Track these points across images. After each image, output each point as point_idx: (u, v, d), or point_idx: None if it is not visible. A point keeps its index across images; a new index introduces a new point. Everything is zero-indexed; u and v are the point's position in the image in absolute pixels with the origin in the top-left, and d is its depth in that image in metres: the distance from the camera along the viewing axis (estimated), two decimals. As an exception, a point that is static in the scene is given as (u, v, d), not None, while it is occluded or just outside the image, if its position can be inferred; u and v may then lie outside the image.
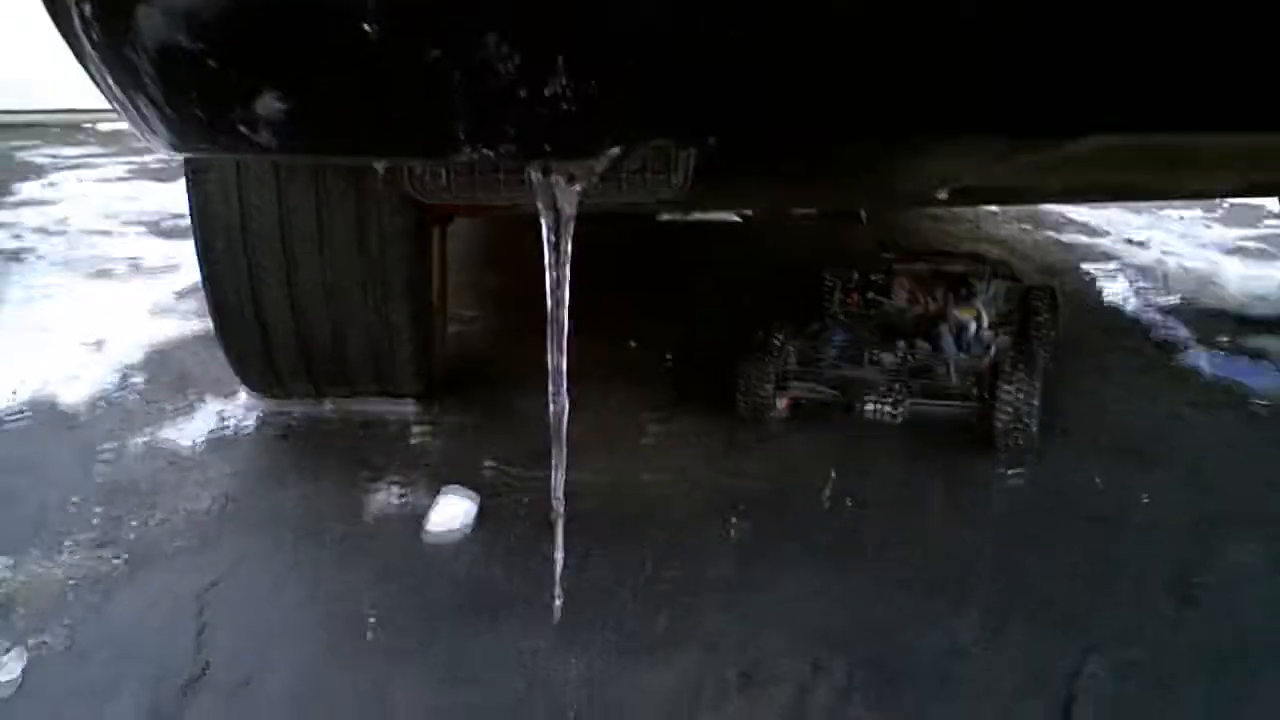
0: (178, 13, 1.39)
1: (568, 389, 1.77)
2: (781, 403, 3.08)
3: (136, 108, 1.54)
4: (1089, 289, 4.49)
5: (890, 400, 3.01)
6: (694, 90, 1.37)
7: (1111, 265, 4.78)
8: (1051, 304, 3.50)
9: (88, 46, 1.51)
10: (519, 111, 1.26)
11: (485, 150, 1.29)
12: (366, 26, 1.28)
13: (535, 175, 1.47)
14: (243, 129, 1.43)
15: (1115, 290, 4.44)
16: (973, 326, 3.16)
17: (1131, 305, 4.27)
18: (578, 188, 1.47)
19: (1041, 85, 1.43)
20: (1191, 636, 2.22)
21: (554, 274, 1.62)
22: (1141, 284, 4.51)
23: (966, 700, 2.04)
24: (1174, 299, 4.31)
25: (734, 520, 2.61)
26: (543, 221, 1.55)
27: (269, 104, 1.40)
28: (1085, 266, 4.77)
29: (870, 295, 3.45)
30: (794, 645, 2.17)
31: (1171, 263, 4.83)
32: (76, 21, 1.48)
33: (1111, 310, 4.24)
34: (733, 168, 1.90)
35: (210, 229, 2.79)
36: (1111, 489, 2.77)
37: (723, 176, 2.03)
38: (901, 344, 3.16)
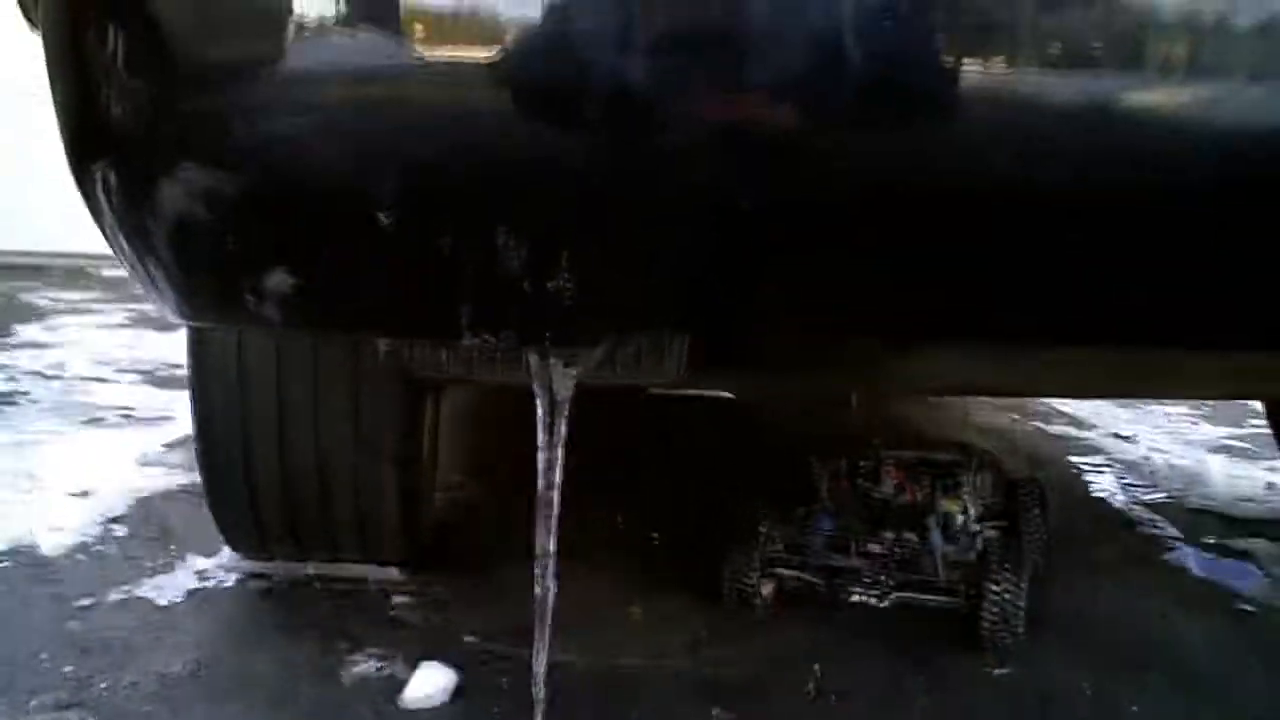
0: (197, 189, 1.44)
1: (555, 572, 1.76)
2: (767, 589, 3.05)
3: (148, 273, 1.59)
4: (1076, 482, 4.51)
5: (876, 592, 2.99)
6: (690, 287, 1.42)
7: (1099, 459, 4.82)
8: (1040, 499, 3.49)
9: (106, 209, 1.56)
10: (523, 301, 1.30)
11: (487, 336, 1.32)
12: (381, 214, 1.33)
13: (533, 359, 1.50)
14: (251, 303, 1.47)
15: (1103, 485, 4.46)
16: (959, 519, 3.14)
17: (1119, 500, 4.28)
18: (574, 371, 1.50)
19: (1040, 296, 1.48)
20: None
21: (546, 455, 1.63)
22: (1129, 480, 4.54)
23: None
24: (1161, 495, 4.33)
25: (715, 711, 2.56)
26: (537, 405, 1.57)
27: (279, 280, 1.44)
28: (1073, 459, 4.80)
29: (859, 482, 3.45)
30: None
31: (1158, 459, 4.86)
32: (99, 185, 1.53)
33: (1099, 504, 4.26)
34: (725, 356, 1.95)
35: (207, 390, 2.82)
36: (1100, 695, 2.72)
37: (715, 363, 2.07)
38: (889, 534, 3.13)
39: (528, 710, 2.49)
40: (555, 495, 1.66)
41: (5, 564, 3.23)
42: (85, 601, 2.99)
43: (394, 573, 3.20)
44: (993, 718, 2.62)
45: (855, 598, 3.00)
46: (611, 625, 2.97)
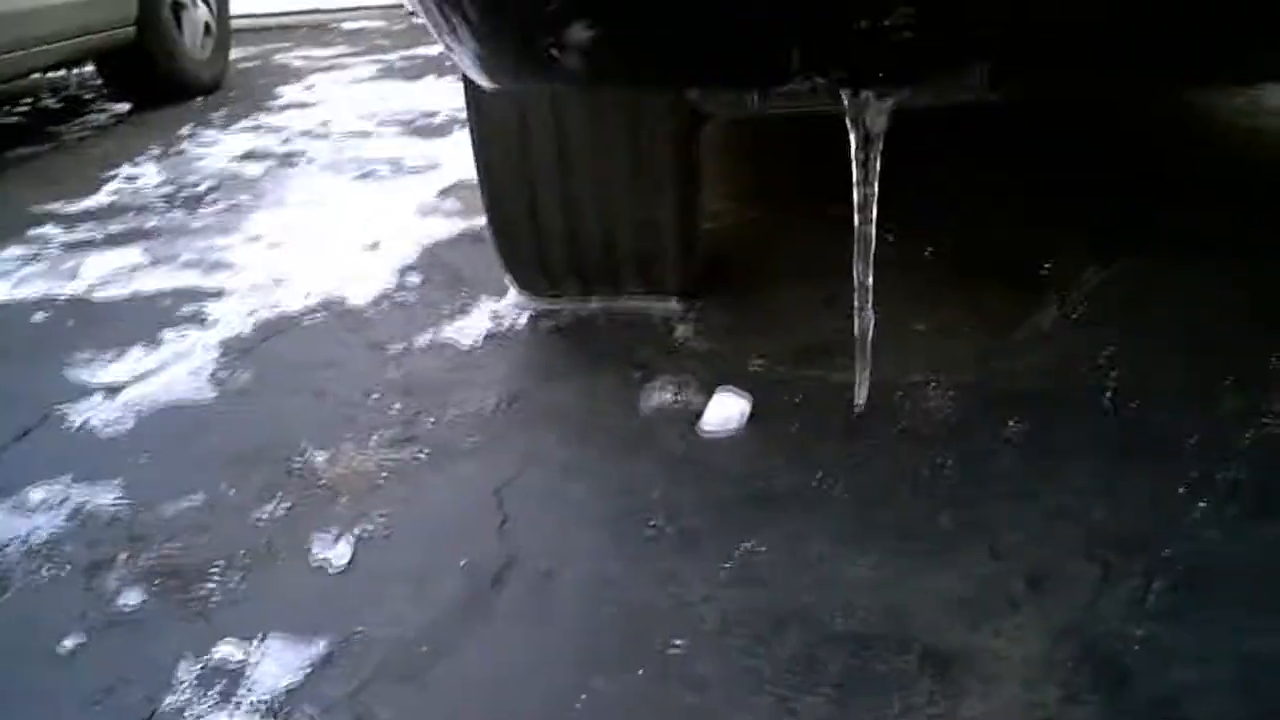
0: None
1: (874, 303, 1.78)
2: None
3: (452, 30, 1.61)
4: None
5: None
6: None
7: None
8: None
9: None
10: (859, 42, 1.25)
11: (817, 78, 1.29)
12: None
13: (846, 94, 1.46)
14: (559, 59, 1.48)
15: None
16: None
17: None
18: (888, 104, 1.46)
19: None
20: None
21: (861, 191, 1.61)
22: None
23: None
24: None
25: (1010, 422, 2.58)
26: (851, 139, 1.54)
27: (586, 34, 1.44)
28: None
29: None
30: (1084, 546, 2.15)
31: None
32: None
33: None
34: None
35: (489, 133, 2.92)
36: None
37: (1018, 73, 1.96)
38: None
39: (821, 428, 2.61)
40: (871, 230, 1.65)
41: (321, 315, 3.52)
42: (397, 347, 3.24)
43: (674, 304, 3.30)
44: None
45: None
46: (901, 341, 2.98)
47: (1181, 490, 2.30)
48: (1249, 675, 1.85)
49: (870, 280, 1.71)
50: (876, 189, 1.59)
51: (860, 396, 1.92)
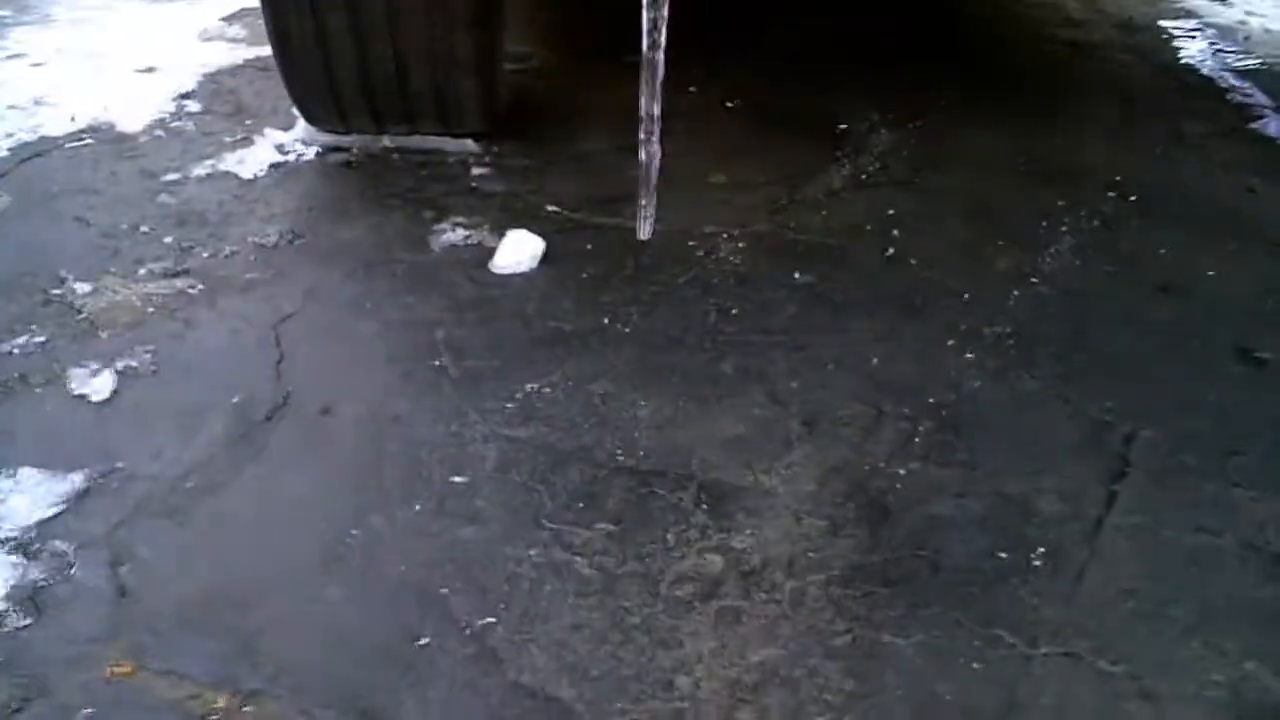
0: None
1: (657, 135, 1.74)
2: None
3: None
4: (1166, 48, 4.31)
5: None
6: None
7: (1191, 24, 4.57)
8: None
9: None
10: None
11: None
12: None
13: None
14: None
15: (1193, 51, 4.27)
16: None
17: (1209, 67, 4.11)
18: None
19: None
20: (1256, 400, 2.26)
21: (650, 13, 1.56)
22: (1221, 45, 4.33)
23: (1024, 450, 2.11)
24: (1254, 62, 4.14)
25: (796, 274, 2.62)
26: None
27: None
28: (1164, 23, 4.56)
29: None
30: (859, 393, 2.23)
31: (1254, 23, 4.61)
32: None
33: (1189, 72, 4.09)
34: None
35: (274, -46, 2.71)
36: (1179, 258, 2.75)
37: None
38: None
39: (611, 273, 2.59)
40: (659, 55, 1.60)
41: (88, 140, 3.26)
42: (172, 176, 3.03)
43: (471, 144, 3.19)
44: (1075, 277, 2.66)
45: None
46: (693, 191, 2.97)
47: (951, 343, 2.40)
48: (997, 512, 1.96)
49: (657, 110, 1.67)
50: (665, 12, 1.54)
51: (643, 231, 1.89)
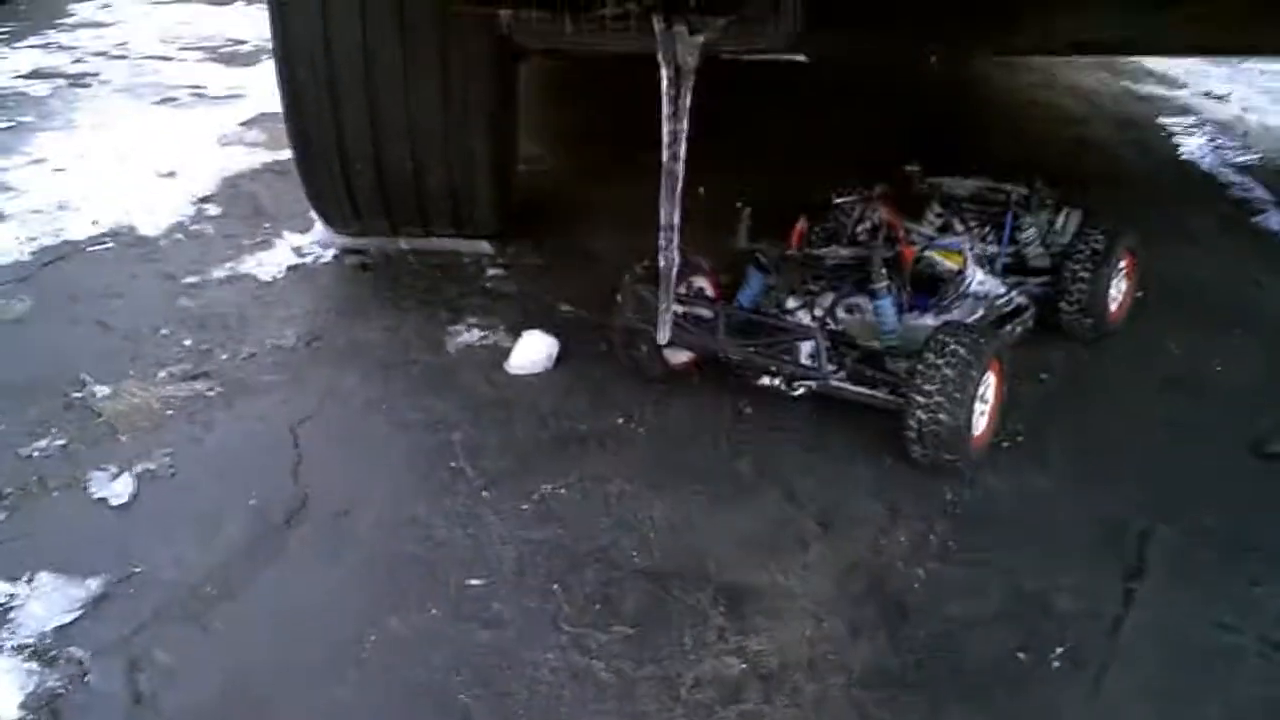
0: None
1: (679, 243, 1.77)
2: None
3: None
4: (1165, 145, 4.39)
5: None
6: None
7: (1189, 120, 4.66)
8: (1107, 251, 2.70)
9: None
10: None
11: (632, 3, 1.27)
12: None
13: (659, 26, 1.44)
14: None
15: (1193, 147, 4.34)
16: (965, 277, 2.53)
17: (1209, 163, 4.18)
18: (700, 40, 1.45)
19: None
20: (1270, 495, 2.27)
21: (670, 127, 1.60)
22: (1220, 141, 4.40)
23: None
24: (1254, 157, 4.21)
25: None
26: (662, 75, 1.53)
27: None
28: (1163, 120, 4.65)
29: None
30: (872, 490, 2.23)
31: (1251, 120, 4.69)
32: None
33: (1189, 167, 4.16)
34: (834, 17, 1.87)
35: (293, 57, 2.78)
36: (1189, 354, 2.77)
37: (825, 23, 1.99)
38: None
39: (626, 373, 2.61)
40: (679, 167, 1.64)
41: (109, 244, 3.32)
42: (192, 279, 3.09)
43: (485, 246, 3.25)
44: (1078, 371, 2.68)
45: (764, 380, 2.43)
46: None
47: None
48: (1015, 612, 1.95)
49: (676, 220, 1.70)
50: (685, 125, 1.58)
51: (662, 335, 1.91)
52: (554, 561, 2.02)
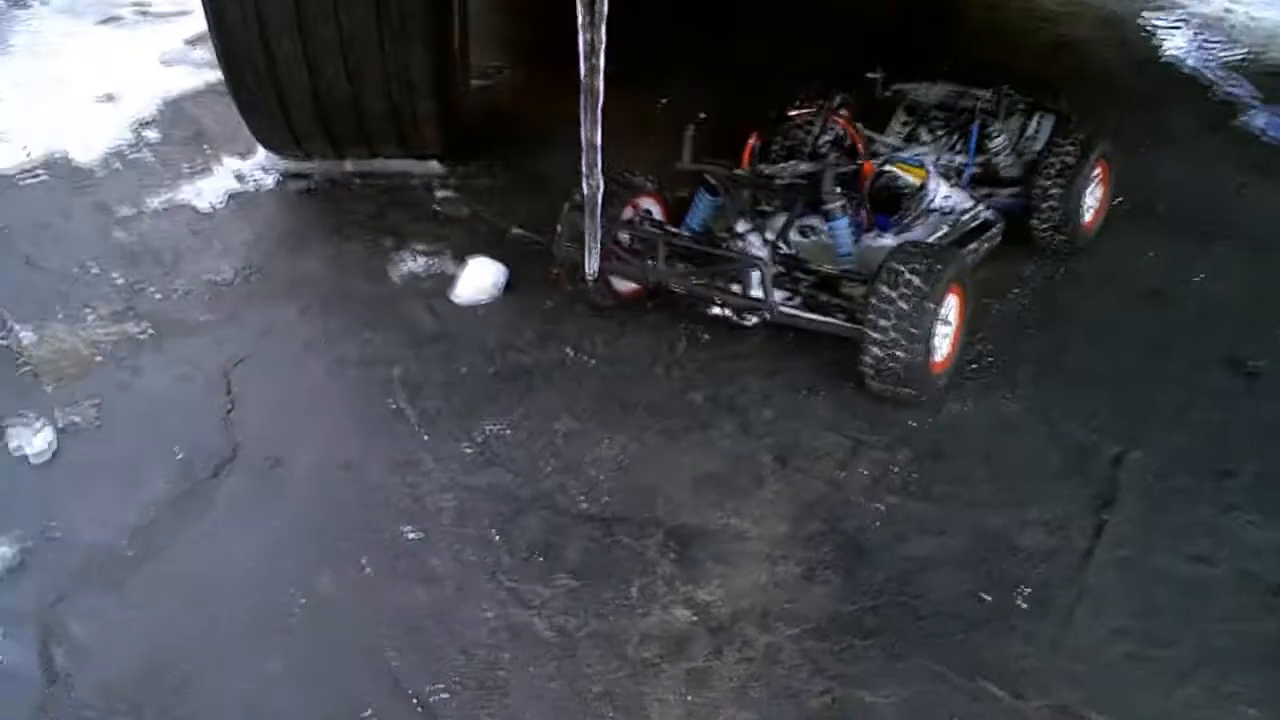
0: None
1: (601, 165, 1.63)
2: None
3: None
4: (1148, 43, 4.21)
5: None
6: None
7: (1174, 16, 4.46)
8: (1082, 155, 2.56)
9: None
10: None
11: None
12: None
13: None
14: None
15: (1177, 45, 4.16)
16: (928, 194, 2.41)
17: (1194, 61, 4.00)
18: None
19: None
20: (1248, 416, 2.17)
21: (587, 36, 1.45)
22: (1205, 38, 4.22)
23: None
24: (1239, 54, 4.04)
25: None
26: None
27: None
28: (1146, 16, 4.45)
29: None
30: (831, 422, 2.14)
31: (1239, 14, 4.49)
32: None
33: (1172, 67, 3.98)
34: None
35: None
36: (1168, 263, 2.65)
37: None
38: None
39: (576, 300, 2.48)
40: (599, 81, 1.49)
41: (41, 175, 3.16)
42: (127, 210, 2.94)
43: (435, 166, 3.10)
44: (1050, 285, 2.57)
45: (714, 310, 2.31)
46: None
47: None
48: (979, 549, 1.87)
49: (598, 139, 1.56)
50: (603, 35, 1.43)
51: (590, 266, 1.79)
52: (495, 508, 1.93)
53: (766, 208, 2.38)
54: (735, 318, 2.26)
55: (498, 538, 1.86)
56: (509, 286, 2.55)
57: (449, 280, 2.57)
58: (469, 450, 2.06)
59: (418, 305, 2.51)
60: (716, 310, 2.27)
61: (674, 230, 2.37)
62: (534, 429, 2.12)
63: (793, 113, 2.56)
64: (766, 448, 2.09)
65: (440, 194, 3.01)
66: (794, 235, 2.33)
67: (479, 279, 2.54)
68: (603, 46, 1.51)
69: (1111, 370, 2.30)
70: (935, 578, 1.81)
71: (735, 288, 2.26)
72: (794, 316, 2.21)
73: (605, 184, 1.70)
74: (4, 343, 2.37)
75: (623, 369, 2.29)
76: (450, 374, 2.27)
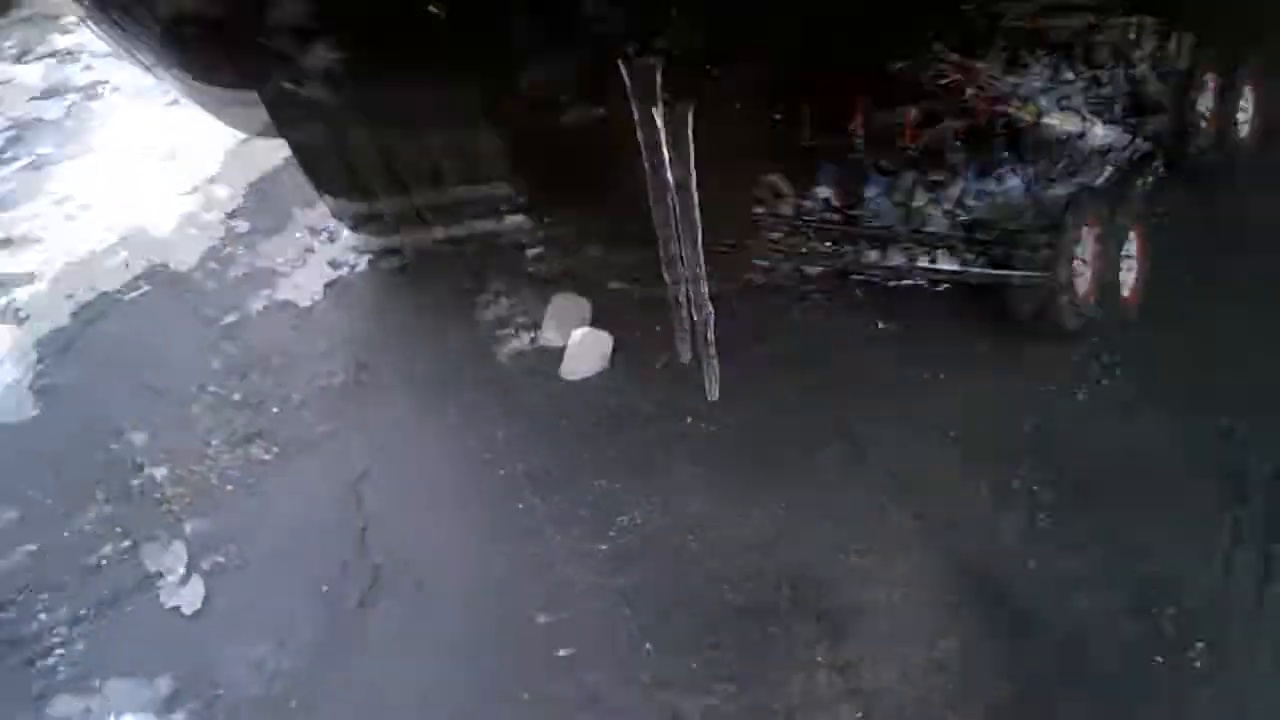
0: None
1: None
2: None
3: None
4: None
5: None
6: None
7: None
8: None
9: None
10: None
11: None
12: None
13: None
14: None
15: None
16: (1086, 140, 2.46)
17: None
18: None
19: None
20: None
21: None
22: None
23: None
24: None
25: (879, 323, 2.46)
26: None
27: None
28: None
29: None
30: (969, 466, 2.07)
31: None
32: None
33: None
34: None
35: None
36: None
37: None
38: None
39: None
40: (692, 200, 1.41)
41: (144, 288, 3.19)
42: (231, 318, 2.95)
43: (520, 220, 3.06)
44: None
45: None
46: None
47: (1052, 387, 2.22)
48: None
49: (702, 261, 1.49)
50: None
51: (713, 392, 1.75)
52: (640, 614, 1.91)
53: (937, 177, 2.47)
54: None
55: (649, 645, 1.85)
56: (615, 349, 2.52)
57: (556, 354, 2.55)
58: (604, 548, 2.05)
59: (530, 386, 2.50)
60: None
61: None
62: (667, 518, 2.09)
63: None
64: (906, 506, 2.03)
65: (530, 252, 2.98)
66: (970, 201, 2.43)
67: (585, 352, 2.52)
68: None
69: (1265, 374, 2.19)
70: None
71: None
72: (982, 274, 2.31)
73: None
74: (140, 486, 2.42)
75: (743, 435, 2.24)
76: (574, 464, 2.26)
